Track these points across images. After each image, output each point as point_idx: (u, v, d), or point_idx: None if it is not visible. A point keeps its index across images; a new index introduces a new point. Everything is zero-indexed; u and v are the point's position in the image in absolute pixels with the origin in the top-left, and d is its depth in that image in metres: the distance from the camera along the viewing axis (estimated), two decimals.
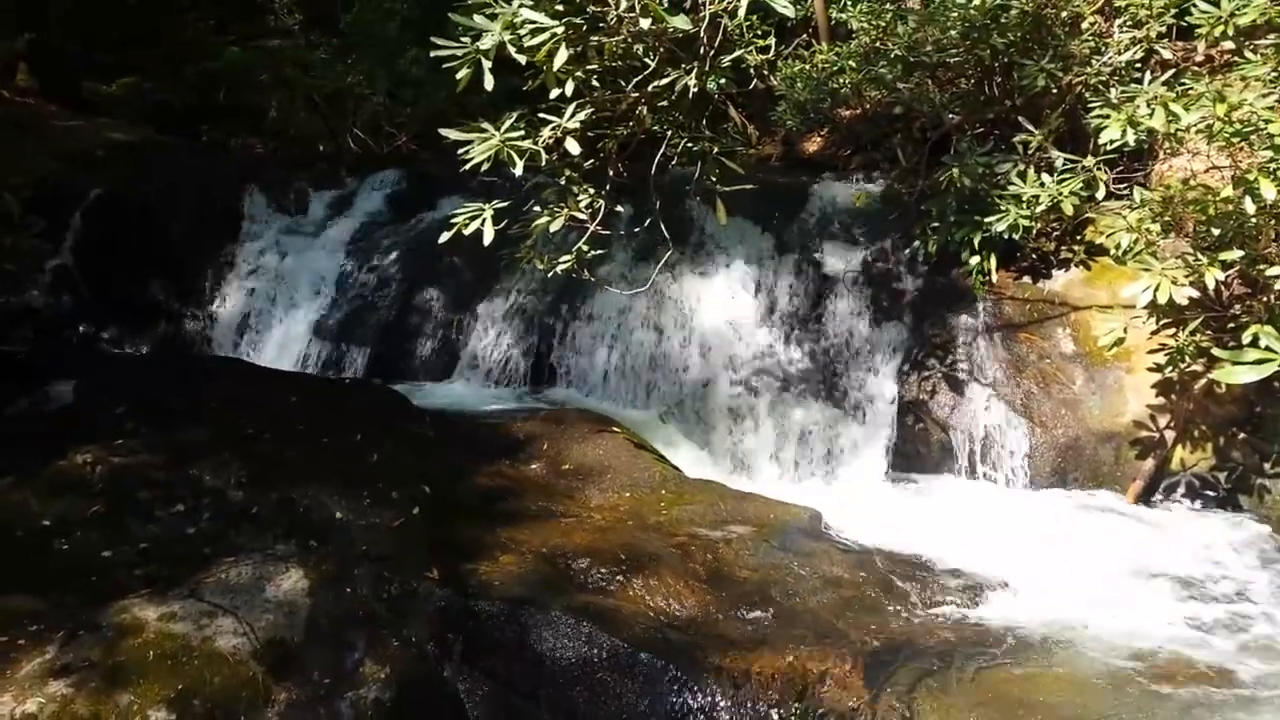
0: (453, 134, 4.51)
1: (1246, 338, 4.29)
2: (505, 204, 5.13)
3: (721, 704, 3.62)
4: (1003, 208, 5.98)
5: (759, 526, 4.75)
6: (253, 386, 5.66)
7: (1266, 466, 5.36)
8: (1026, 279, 6.49)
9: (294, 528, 4.35)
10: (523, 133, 4.50)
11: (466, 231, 5.10)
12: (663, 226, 5.63)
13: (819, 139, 9.30)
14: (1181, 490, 5.59)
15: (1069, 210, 5.93)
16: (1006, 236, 6.04)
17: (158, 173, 8.34)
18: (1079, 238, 6.50)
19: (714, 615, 4.08)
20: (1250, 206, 4.97)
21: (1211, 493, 5.52)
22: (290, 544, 4.21)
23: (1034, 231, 6.29)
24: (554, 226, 5.34)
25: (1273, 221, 5.24)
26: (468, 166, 5.11)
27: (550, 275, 5.56)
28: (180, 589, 3.87)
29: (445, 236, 5.16)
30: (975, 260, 6.35)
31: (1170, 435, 5.63)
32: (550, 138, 4.50)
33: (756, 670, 3.69)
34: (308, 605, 3.86)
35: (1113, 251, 5.79)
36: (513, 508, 4.75)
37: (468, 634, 3.95)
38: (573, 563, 4.31)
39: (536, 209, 5.41)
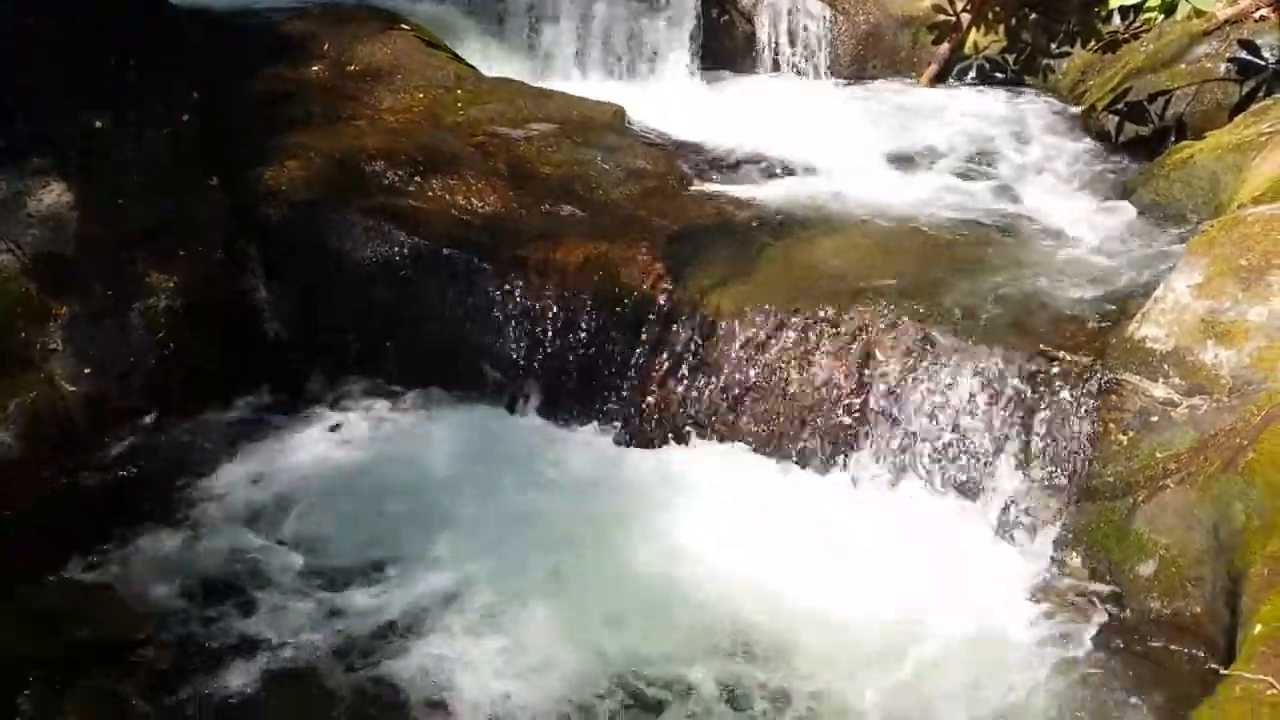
0: None
1: None
2: None
3: (526, 293, 3.67)
4: None
5: (562, 124, 4.60)
6: None
7: (1053, 46, 5.53)
8: None
9: (49, 145, 3.92)
10: None
11: None
12: None
13: None
14: (973, 74, 5.75)
15: None
16: None
17: None
18: None
19: (517, 211, 4.02)
20: None
21: (1000, 74, 5.71)
22: (46, 159, 3.81)
23: None
24: None
25: None
26: None
27: None
28: None
29: None
30: None
31: (965, 19, 5.68)
32: None
33: (560, 258, 3.72)
34: (75, 219, 3.59)
35: None
36: (295, 113, 4.40)
37: (260, 240, 3.81)
38: (366, 166, 4.10)
39: None
